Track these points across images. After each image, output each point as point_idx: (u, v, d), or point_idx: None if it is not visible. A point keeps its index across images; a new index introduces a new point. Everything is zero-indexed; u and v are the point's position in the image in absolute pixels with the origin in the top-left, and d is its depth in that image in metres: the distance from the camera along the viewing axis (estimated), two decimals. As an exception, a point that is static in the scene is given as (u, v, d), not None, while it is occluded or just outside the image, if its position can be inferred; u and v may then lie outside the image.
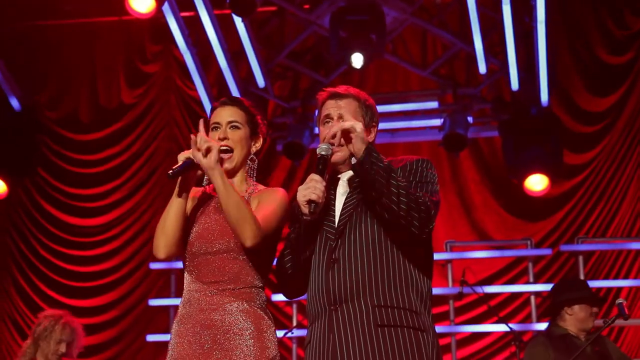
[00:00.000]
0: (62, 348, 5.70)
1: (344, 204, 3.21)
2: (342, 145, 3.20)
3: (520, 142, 7.63)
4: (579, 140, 8.29)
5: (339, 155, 3.22)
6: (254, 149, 3.47)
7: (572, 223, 8.27)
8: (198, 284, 3.28)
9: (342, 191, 3.25)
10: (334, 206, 3.23)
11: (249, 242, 3.16)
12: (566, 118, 8.19)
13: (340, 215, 3.19)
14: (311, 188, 3.06)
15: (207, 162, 3.17)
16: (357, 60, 7.10)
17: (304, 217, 3.12)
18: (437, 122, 7.99)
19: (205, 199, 3.40)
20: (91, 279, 8.65)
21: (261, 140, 3.51)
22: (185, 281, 3.35)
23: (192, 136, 3.24)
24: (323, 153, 3.15)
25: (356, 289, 3.09)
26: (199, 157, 3.20)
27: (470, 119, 7.79)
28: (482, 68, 7.71)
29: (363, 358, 3.02)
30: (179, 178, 3.26)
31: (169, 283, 8.28)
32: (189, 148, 3.26)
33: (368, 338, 3.04)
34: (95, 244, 8.70)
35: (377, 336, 3.04)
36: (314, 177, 3.09)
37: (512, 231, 8.35)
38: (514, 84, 7.68)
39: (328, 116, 3.29)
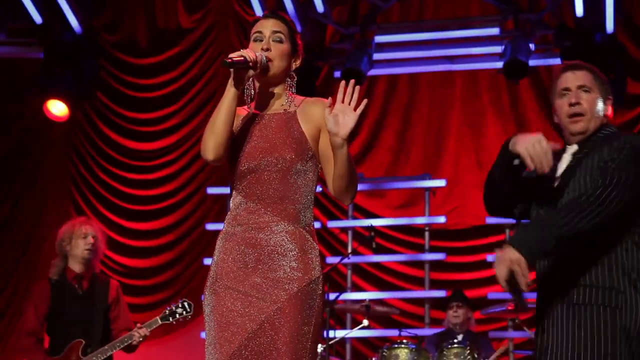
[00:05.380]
0: (90, 240, 5.76)
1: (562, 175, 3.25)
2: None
3: (582, 70, 7.46)
4: (644, 70, 8.07)
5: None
6: (293, 66, 3.41)
7: (634, 154, 8.11)
8: (244, 202, 3.28)
9: (564, 163, 3.29)
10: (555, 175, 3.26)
11: (350, 202, 3.32)
12: (631, 46, 7.95)
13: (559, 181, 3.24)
14: (539, 155, 3.08)
15: (343, 134, 3.14)
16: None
17: (526, 172, 3.19)
18: (497, 49, 7.85)
19: (250, 118, 3.37)
20: (149, 202, 8.77)
21: (300, 59, 3.44)
22: (232, 200, 3.34)
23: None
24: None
25: None
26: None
27: (532, 45, 7.63)
28: (546, -7, 7.53)
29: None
30: (232, 72, 3.21)
31: (226, 207, 8.36)
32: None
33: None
34: (153, 168, 8.80)
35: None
36: (542, 142, 3.09)
37: (571, 161, 8.22)
38: (579, 10, 7.47)
39: (567, 89, 3.32)
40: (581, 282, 3.10)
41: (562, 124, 3.33)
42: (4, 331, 8.67)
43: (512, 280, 3.03)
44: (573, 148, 3.29)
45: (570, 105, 3.27)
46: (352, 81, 3.18)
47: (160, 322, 5.61)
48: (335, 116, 3.14)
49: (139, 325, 5.60)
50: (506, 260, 2.99)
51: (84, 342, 5.66)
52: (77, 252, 5.77)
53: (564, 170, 3.26)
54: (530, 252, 2.98)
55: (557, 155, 3.26)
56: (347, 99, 3.15)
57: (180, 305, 5.63)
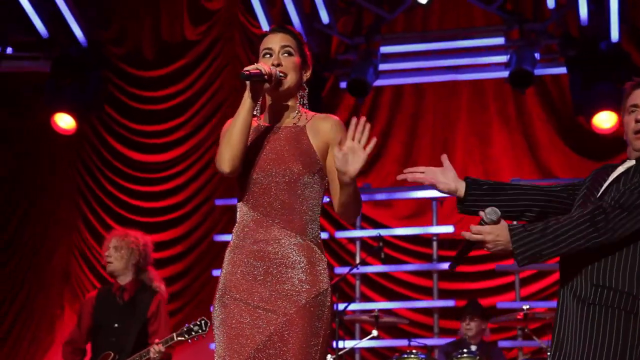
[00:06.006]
0: (107, 253, 5.84)
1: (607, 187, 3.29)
2: None
3: (588, 78, 7.47)
4: (650, 77, 8.07)
5: None
6: (304, 78, 3.43)
7: (640, 161, 8.11)
8: (252, 214, 3.29)
9: (616, 173, 3.33)
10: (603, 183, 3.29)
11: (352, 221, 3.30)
12: (636, 55, 7.96)
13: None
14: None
15: (352, 173, 3.16)
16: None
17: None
18: (502, 58, 7.86)
19: (260, 129, 3.38)
20: (157, 214, 8.79)
21: (310, 70, 3.46)
22: (239, 211, 3.36)
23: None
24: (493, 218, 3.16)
25: None
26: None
27: (537, 55, 7.64)
28: (551, 2, 7.53)
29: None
30: (249, 85, 3.23)
31: (234, 218, 8.35)
32: None
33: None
34: (161, 180, 8.82)
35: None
36: None
37: (577, 170, 8.21)
38: (583, 19, 7.49)
39: (635, 105, 3.33)
40: (599, 283, 3.13)
41: (628, 140, 3.36)
42: (14, 342, 8.69)
43: (471, 246, 3.15)
44: (630, 162, 3.31)
45: (637, 121, 3.29)
46: (362, 118, 3.17)
47: (176, 338, 5.61)
48: (345, 155, 3.14)
49: (156, 341, 5.62)
50: (492, 238, 3.11)
51: (112, 354, 5.69)
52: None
53: (614, 178, 3.28)
54: (521, 258, 3.10)
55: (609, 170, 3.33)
56: (357, 137, 3.15)
57: (197, 323, 5.63)
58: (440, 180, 3.43)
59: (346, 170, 3.15)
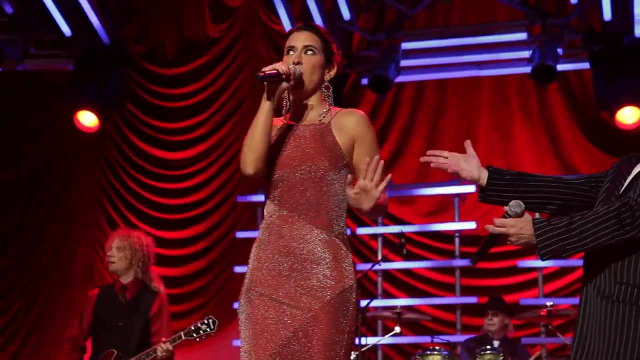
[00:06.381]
0: (111, 253, 5.87)
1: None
2: None
3: (611, 74, 7.44)
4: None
5: None
6: (327, 77, 3.43)
7: (664, 157, 8.06)
8: (278, 211, 3.31)
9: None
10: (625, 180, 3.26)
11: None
12: (661, 49, 7.91)
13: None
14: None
15: (366, 208, 3.15)
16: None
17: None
18: (525, 54, 7.83)
19: (285, 127, 3.40)
20: (179, 211, 8.82)
21: (335, 68, 3.46)
22: (265, 208, 3.38)
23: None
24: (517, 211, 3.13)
25: None
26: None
27: (560, 50, 7.61)
28: (574, -3, 7.51)
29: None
30: (266, 86, 3.25)
31: (256, 215, 8.40)
32: None
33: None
34: (183, 177, 8.85)
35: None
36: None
37: (600, 166, 8.15)
38: (607, 14, 7.44)
39: None
40: (623, 280, 3.11)
41: None
42: (37, 339, 8.75)
43: (494, 241, 3.12)
44: None
45: None
46: (375, 158, 3.15)
47: (183, 337, 5.62)
48: (358, 194, 3.15)
49: (163, 339, 5.64)
50: (515, 231, 3.07)
51: (116, 352, 5.71)
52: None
53: (638, 172, 3.25)
54: (544, 252, 3.06)
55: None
56: (369, 176, 3.13)
57: (205, 322, 5.64)
58: (463, 167, 3.42)
59: (359, 207, 3.17)
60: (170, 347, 5.59)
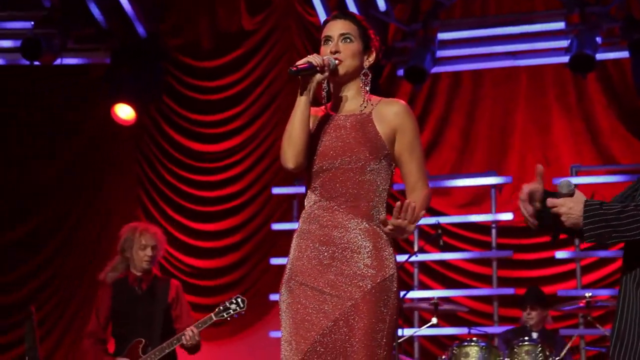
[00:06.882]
0: (149, 252, 5.89)
1: None
2: None
3: (651, 62, 7.36)
4: None
5: None
6: (366, 64, 3.42)
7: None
8: (319, 201, 3.31)
9: None
10: None
11: None
12: (701, 37, 7.80)
13: None
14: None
15: (409, 231, 3.18)
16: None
17: None
18: (563, 43, 7.76)
19: (325, 117, 3.40)
20: (215, 203, 8.85)
21: (374, 54, 3.44)
22: (306, 198, 3.38)
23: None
24: None
25: None
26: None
27: (598, 39, 7.52)
28: (613, -16, 7.42)
29: None
30: (300, 79, 3.25)
31: (292, 207, 8.41)
32: None
33: None
34: (219, 170, 8.87)
35: None
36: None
37: (639, 156, 8.11)
38: (646, 2, 7.37)
39: None
40: None
41: None
42: (74, 336, 8.82)
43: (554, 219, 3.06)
44: None
45: None
46: (406, 202, 3.13)
47: (214, 318, 5.65)
48: (392, 231, 3.18)
49: (193, 326, 5.66)
50: (565, 210, 3.01)
51: (144, 341, 5.76)
52: (137, 262, 5.92)
53: None
54: (589, 235, 2.99)
55: None
56: (402, 216, 3.13)
57: (234, 302, 5.66)
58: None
59: (395, 238, 3.25)
60: (197, 332, 5.61)
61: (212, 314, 5.65)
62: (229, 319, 5.68)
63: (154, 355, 5.68)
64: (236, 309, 5.64)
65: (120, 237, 6.05)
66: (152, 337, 5.77)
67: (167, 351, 5.68)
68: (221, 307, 5.64)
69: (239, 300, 5.66)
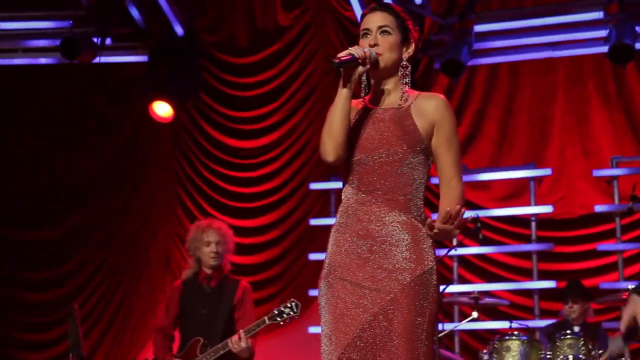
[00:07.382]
0: (213, 248, 5.92)
1: None
2: None
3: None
4: None
5: None
6: (405, 55, 3.41)
7: None
8: (356, 194, 3.30)
9: None
10: None
11: None
12: None
13: None
14: None
15: (454, 235, 3.18)
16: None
17: None
18: (601, 33, 7.66)
19: (364, 110, 3.39)
20: (253, 199, 8.87)
21: (413, 46, 3.43)
22: (344, 192, 3.37)
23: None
24: None
25: None
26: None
27: (638, 28, 7.42)
28: (651, -27, 7.32)
29: None
30: (342, 72, 3.24)
31: (329, 202, 8.40)
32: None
33: None
34: (257, 166, 8.89)
35: None
36: None
37: (680, 147, 8.00)
38: (687, -11, 7.26)
39: None
40: None
41: None
42: (119, 329, 8.90)
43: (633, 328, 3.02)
44: None
45: None
46: (455, 209, 3.12)
47: (267, 322, 5.63)
48: (437, 234, 3.18)
49: (242, 331, 5.65)
50: (631, 309, 2.98)
51: (202, 340, 5.78)
52: (205, 259, 5.97)
53: None
54: None
55: None
56: (450, 222, 3.12)
57: (288, 306, 5.64)
58: None
59: (441, 240, 3.22)
60: (243, 339, 5.58)
61: (265, 318, 5.64)
62: (282, 323, 5.66)
63: (209, 356, 5.70)
64: (289, 314, 5.62)
65: (187, 240, 6.11)
66: (212, 337, 5.80)
67: (221, 352, 5.70)
68: (275, 312, 5.62)
69: (293, 304, 5.63)
